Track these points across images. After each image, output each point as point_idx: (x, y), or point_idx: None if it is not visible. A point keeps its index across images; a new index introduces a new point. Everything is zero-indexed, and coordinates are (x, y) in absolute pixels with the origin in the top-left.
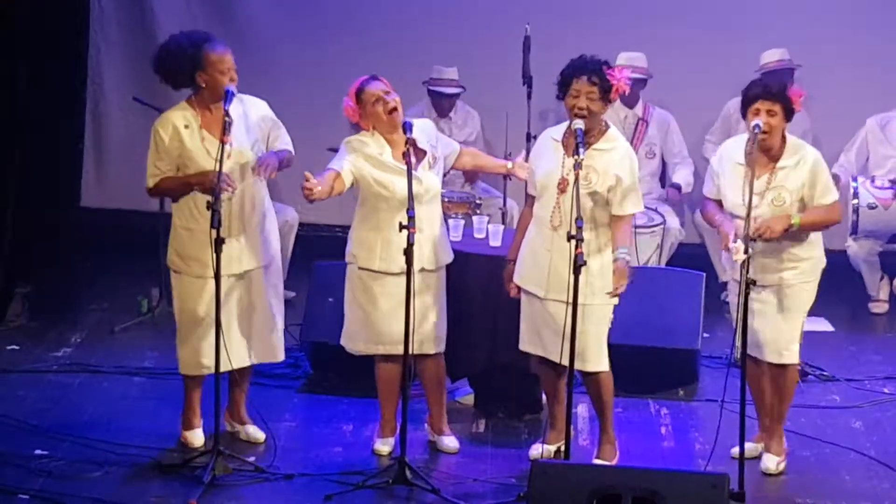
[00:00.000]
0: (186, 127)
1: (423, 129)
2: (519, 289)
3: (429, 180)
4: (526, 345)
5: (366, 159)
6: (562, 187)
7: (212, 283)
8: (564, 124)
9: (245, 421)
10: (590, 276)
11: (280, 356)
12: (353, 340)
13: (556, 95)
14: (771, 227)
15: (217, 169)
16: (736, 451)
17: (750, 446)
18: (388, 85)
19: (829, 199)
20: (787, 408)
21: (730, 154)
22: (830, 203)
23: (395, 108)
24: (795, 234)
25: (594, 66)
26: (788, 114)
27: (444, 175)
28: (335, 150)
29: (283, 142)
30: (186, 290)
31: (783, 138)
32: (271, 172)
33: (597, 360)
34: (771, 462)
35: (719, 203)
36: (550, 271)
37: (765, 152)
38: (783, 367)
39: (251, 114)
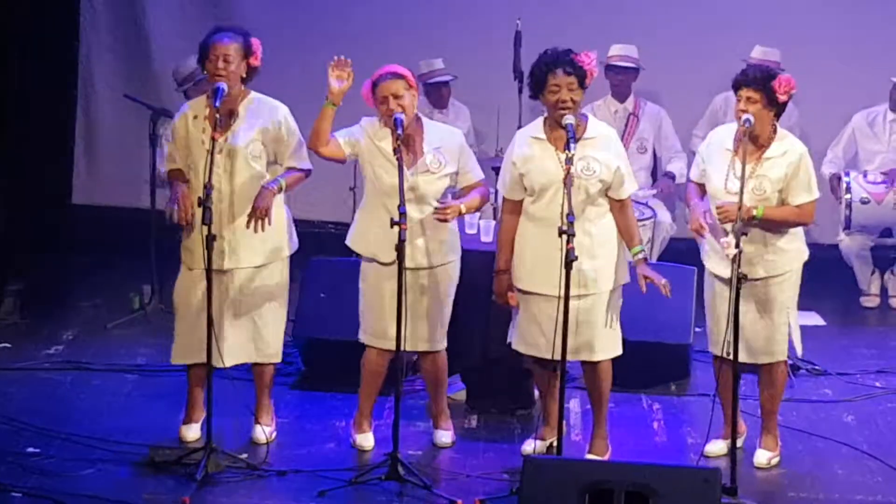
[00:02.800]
0: (195, 117)
1: (443, 136)
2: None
3: (417, 182)
4: (520, 345)
5: (369, 141)
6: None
7: (196, 275)
8: (538, 122)
9: (257, 420)
10: (594, 265)
11: (255, 358)
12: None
13: (529, 95)
14: (726, 213)
15: (208, 162)
16: (708, 448)
17: (720, 444)
18: (410, 82)
19: (802, 199)
20: (778, 404)
21: (720, 140)
22: (801, 204)
23: (394, 114)
24: (776, 226)
25: (565, 57)
26: (772, 102)
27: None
28: None
29: (293, 159)
30: (180, 280)
31: (773, 129)
32: (263, 220)
33: (606, 348)
34: (763, 457)
35: (701, 187)
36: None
37: (752, 141)
38: (773, 364)
39: (261, 114)
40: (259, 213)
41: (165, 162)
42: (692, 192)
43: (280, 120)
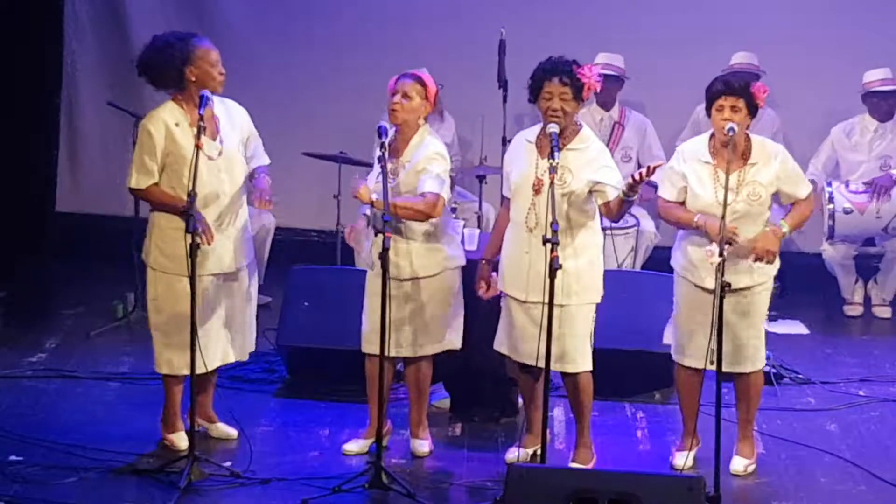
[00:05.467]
0: (177, 125)
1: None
2: (488, 288)
3: (407, 182)
4: (502, 347)
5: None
6: (536, 188)
7: (200, 282)
8: (538, 126)
9: (214, 419)
10: (567, 278)
11: (247, 353)
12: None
13: (527, 99)
14: (770, 251)
15: (192, 172)
16: (675, 461)
17: (685, 455)
18: (424, 83)
19: (806, 190)
20: (755, 411)
21: (694, 153)
22: (807, 195)
23: (393, 110)
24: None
25: (565, 66)
26: (752, 110)
27: None
28: (310, 155)
29: (261, 155)
30: (174, 289)
31: (747, 136)
32: (269, 201)
33: (578, 361)
34: (739, 464)
35: (680, 205)
36: (530, 274)
37: (732, 149)
38: (754, 372)
39: (234, 116)
40: (267, 193)
41: (136, 177)
42: (683, 210)
43: (248, 122)
